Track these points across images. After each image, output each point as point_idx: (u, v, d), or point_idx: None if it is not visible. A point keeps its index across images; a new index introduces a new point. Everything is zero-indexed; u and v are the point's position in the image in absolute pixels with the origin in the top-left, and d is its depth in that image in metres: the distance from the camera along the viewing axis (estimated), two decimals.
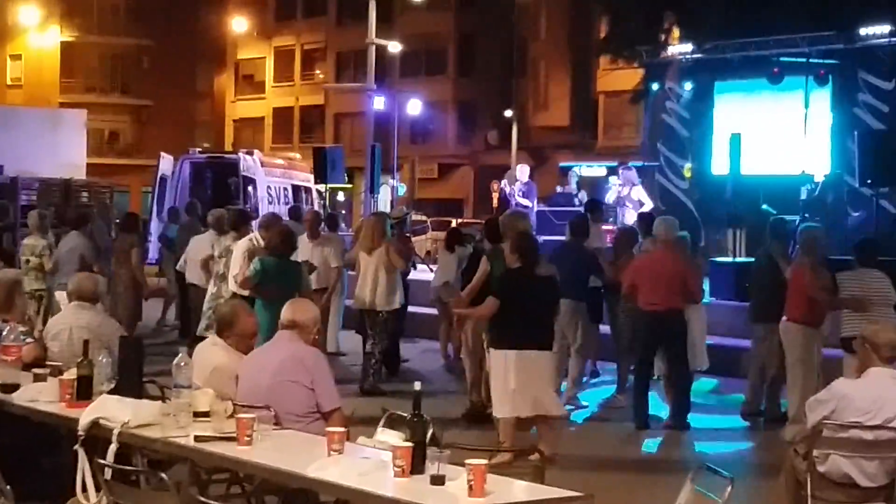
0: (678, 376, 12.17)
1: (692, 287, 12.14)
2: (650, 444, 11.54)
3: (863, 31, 21.21)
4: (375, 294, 13.56)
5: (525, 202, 22.27)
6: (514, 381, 9.88)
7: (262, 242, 12.52)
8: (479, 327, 11.55)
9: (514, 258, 10.17)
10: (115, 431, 6.21)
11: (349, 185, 47.03)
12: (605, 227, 18.50)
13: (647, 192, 22.13)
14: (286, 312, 7.12)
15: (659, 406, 12.51)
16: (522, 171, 23.28)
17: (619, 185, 22.17)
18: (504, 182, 23.43)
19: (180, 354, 6.39)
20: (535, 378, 9.92)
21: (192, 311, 15.43)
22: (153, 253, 23.48)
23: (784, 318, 11.59)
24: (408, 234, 18.84)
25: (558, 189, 24.28)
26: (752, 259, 17.62)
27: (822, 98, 22.37)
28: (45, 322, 10.93)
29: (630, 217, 20.59)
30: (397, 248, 13.94)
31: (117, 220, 21.86)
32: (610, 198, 22.04)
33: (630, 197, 21.59)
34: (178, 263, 16.50)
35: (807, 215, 18.81)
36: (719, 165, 23.30)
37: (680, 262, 12.11)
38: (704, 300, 16.98)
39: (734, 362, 15.45)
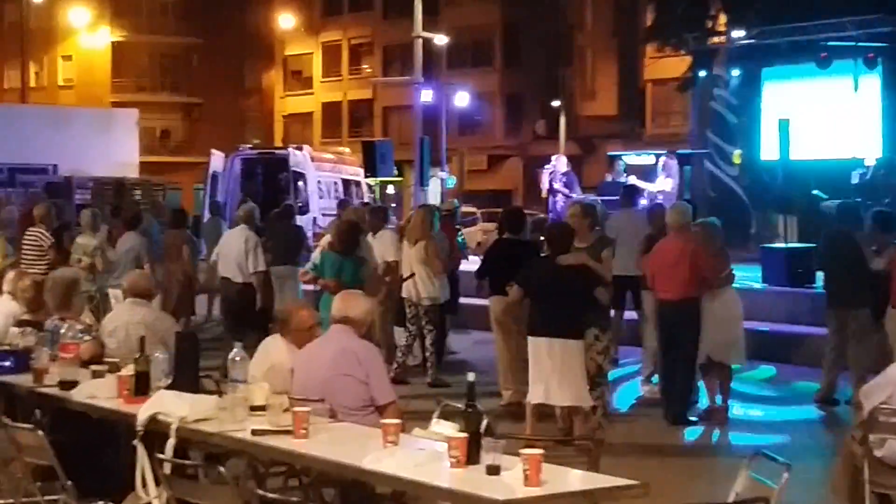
0: (681, 368, 11.70)
1: (704, 273, 11.48)
2: (702, 433, 11.48)
3: None
4: (416, 286, 13.57)
5: (565, 191, 22.26)
6: (532, 367, 10.11)
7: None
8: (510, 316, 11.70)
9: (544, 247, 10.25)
10: (174, 426, 6.28)
11: (399, 178, 47.09)
12: None
13: (674, 181, 21.95)
14: (337, 307, 7.16)
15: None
16: (560, 162, 23.26)
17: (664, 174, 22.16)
18: (546, 172, 23.35)
19: (235, 349, 6.46)
20: (547, 366, 9.98)
21: (225, 304, 15.51)
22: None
23: (890, 305, 11.27)
24: (458, 227, 18.82)
25: (607, 178, 24.22)
26: (816, 244, 17.53)
27: (872, 81, 22.21)
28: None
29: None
30: (437, 246, 13.70)
31: (169, 218, 22.03)
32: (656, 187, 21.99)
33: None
34: (211, 258, 16.21)
35: (859, 199, 18.66)
36: (769, 151, 23.20)
37: (688, 248, 11.53)
38: (757, 286, 16.90)
39: (789, 349, 15.39)
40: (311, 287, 13.45)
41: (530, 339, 10.23)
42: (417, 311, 13.64)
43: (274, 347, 7.39)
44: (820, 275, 17.64)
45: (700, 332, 11.55)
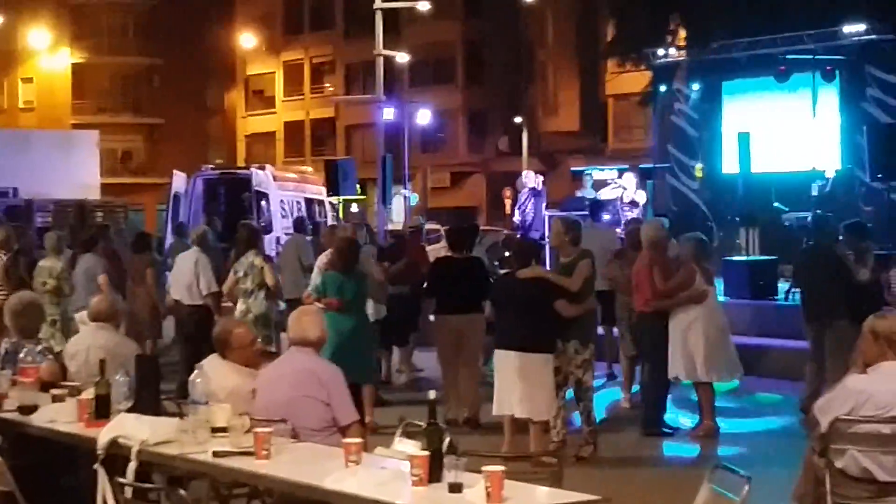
0: (648, 381, 11.82)
1: (658, 286, 11.52)
2: (666, 446, 11.52)
3: (868, 26, 21.22)
4: None
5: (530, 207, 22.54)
6: (496, 379, 10.45)
7: None
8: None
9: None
10: (134, 450, 6.25)
11: (362, 197, 46.93)
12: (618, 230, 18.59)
13: (644, 194, 22.31)
14: (294, 328, 7.12)
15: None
16: (528, 177, 23.44)
17: (619, 186, 22.39)
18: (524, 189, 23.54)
19: (196, 371, 6.43)
20: (510, 379, 10.21)
21: (178, 328, 15.41)
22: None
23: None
24: (423, 244, 18.85)
25: (577, 193, 24.31)
26: (777, 257, 17.60)
27: (830, 94, 22.39)
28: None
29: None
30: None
31: (132, 241, 21.91)
32: (606, 195, 22.23)
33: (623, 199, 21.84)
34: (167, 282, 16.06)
35: (819, 211, 18.81)
36: (729, 164, 23.33)
37: (643, 262, 11.65)
38: (720, 299, 16.93)
39: (751, 361, 15.42)
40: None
41: (495, 351, 10.51)
42: None
43: (222, 373, 7.23)
44: (782, 287, 17.84)
45: (664, 345, 11.58)
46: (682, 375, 11.69)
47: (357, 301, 11.85)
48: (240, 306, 13.59)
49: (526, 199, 22.92)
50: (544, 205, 23.23)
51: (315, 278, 12.22)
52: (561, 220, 11.59)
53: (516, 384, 10.16)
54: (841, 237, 12.94)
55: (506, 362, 10.27)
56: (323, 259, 13.05)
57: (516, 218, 23.13)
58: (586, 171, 26.60)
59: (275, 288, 13.40)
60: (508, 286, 10.62)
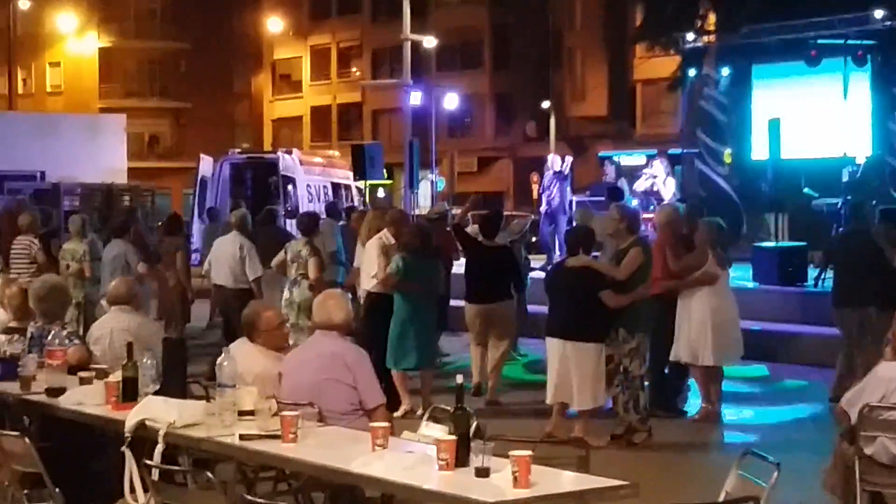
0: (651, 363, 11.52)
1: (670, 266, 11.54)
2: (693, 432, 11.46)
3: None
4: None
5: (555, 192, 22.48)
6: (548, 367, 10.62)
7: (391, 240, 12.52)
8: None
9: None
10: (161, 432, 6.24)
11: (389, 181, 47.05)
12: (645, 216, 18.50)
13: (673, 181, 22.22)
14: (320, 312, 7.08)
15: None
16: (555, 161, 23.36)
17: (652, 175, 22.28)
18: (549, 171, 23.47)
19: (223, 354, 6.42)
20: (557, 366, 10.40)
21: (222, 312, 15.45)
22: (197, 255, 23.55)
23: None
24: (449, 230, 18.78)
25: (605, 179, 24.23)
26: (807, 242, 17.46)
27: (861, 79, 22.24)
28: (86, 329, 11.01)
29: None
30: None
31: (159, 223, 21.96)
32: (640, 186, 22.11)
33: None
34: (204, 266, 16.01)
35: (849, 197, 18.68)
36: (759, 150, 23.20)
37: (660, 245, 11.60)
38: (749, 285, 16.89)
39: (780, 347, 15.39)
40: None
41: (546, 339, 10.66)
42: None
43: (250, 357, 7.21)
44: (812, 273, 17.74)
45: (669, 326, 11.50)
46: (685, 358, 11.58)
47: (430, 286, 11.96)
48: (285, 294, 13.63)
49: (551, 184, 22.81)
50: (569, 189, 23.16)
51: (396, 261, 11.99)
52: (618, 207, 11.67)
53: (564, 372, 10.32)
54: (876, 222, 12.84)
55: (554, 350, 10.43)
56: (378, 241, 12.69)
57: (542, 206, 23.02)
58: (609, 157, 26.55)
59: (317, 282, 13.30)
60: (558, 275, 10.76)
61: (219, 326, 18.75)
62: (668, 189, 22.34)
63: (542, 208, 22.99)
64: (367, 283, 12.66)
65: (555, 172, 22.96)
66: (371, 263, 12.57)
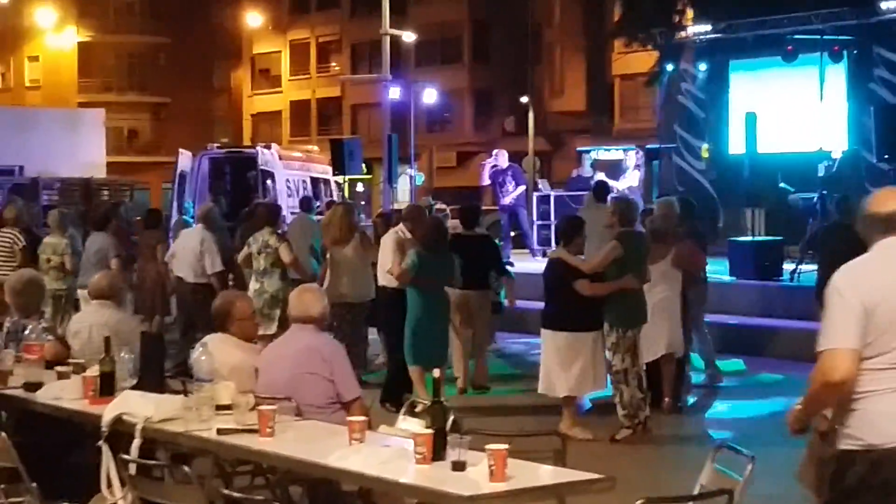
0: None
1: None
2: (670, 425, 11.49)
3: (878, 6, 21.15)
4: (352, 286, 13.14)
5: (511, 185, 22.63)
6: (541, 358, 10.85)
7: (407, 234, 12.53)
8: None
9: None
10: (139, 427, 6.25)
11: (368, 176, 47.05)
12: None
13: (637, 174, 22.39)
14: (297, 305, 7.07)
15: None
16: (502, 157, 23.50)
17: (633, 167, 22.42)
18: (487, 165, 23.65)
19: (200, 349, 6.43)
20: (548, 357, 10.66)
21: (179, 305, 15.38)
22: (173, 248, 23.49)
23: None
24: None
25: (574, 173, 24.29)
26: (784, 237, 17.50)
27: (838, 74, 22.33)
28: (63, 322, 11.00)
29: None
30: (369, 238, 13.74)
31: (138, 218, 21.91)
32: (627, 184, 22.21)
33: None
34: (166, 257, 15.58)
35: (825, 192, 18.77)
36: (736, 145, 23.30)
37: None
38: (725, 279, 16.95)
39: (757, 341, 15.45)
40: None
41: (541, 330, 10.87)
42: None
43: (224, 349, 7.18)
44: (788, 267, 17.82)
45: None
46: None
47: (443, 283, 11.92)
48: (253, 285, 13.55)
49: (505, 180, 22.92)
50: (524, 186, 23.34)
51: (411, 256, 11.92)
52: (616, 199, 11.76)
53: (553, 362, 10.57)
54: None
55: (547, 341, 10.69)
56: (394, 235, 12.68)
57: (506, 200, 23.03)
58: (587, 152, 26.64)
59: (292, 264, 13.34)
60: (546, 267, 11.01)
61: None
62: (627, 181, 22.41)
63: (506, 201, 23.07)
64: (383, 278, 12.68)
65: (504, 168, 23.06)
66: (387, 258, 12.55)
